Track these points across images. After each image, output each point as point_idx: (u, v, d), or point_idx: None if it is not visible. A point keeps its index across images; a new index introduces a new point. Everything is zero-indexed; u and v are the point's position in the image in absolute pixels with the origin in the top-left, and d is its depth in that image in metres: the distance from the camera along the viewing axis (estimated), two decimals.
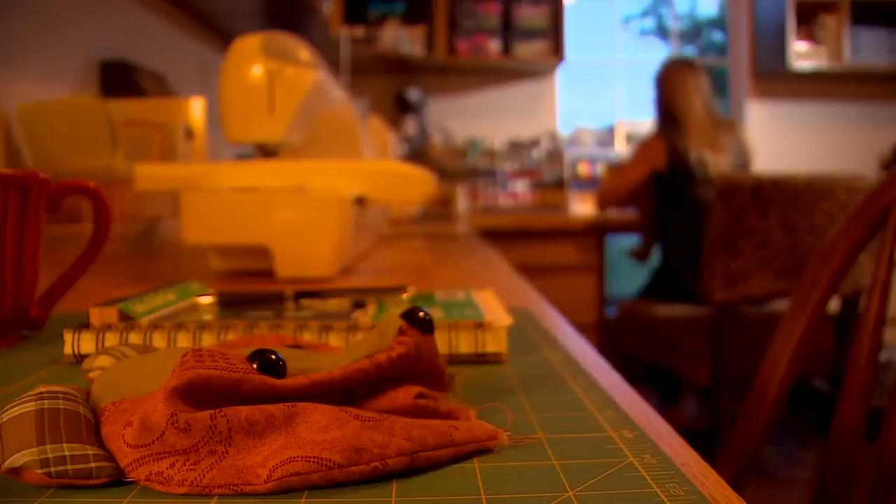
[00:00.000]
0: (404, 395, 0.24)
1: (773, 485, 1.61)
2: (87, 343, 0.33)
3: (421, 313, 0.26)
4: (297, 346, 0.30)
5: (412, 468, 0.21)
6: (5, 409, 0.21)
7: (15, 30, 1.05)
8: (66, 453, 0.19)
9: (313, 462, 0.19)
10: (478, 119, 2.92)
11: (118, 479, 0.20)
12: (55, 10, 1.15)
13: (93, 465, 0.20)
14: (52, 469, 0.19)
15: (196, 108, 1.21)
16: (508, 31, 2.75)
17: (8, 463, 0.19)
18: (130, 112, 1.14)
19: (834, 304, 1.55)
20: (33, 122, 0.96)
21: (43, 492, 0.19)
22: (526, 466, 0.21)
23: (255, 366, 0.22)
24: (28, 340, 0.39)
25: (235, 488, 0.19)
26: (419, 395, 0.24)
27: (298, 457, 0.19)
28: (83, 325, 0.34)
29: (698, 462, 0.22)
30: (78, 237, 0.81)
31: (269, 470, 0.19)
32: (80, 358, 0.33)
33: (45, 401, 0.21)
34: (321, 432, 0.20)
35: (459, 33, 2.74)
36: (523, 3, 2.75)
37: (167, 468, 0.19)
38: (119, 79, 1.29)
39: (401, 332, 0.25)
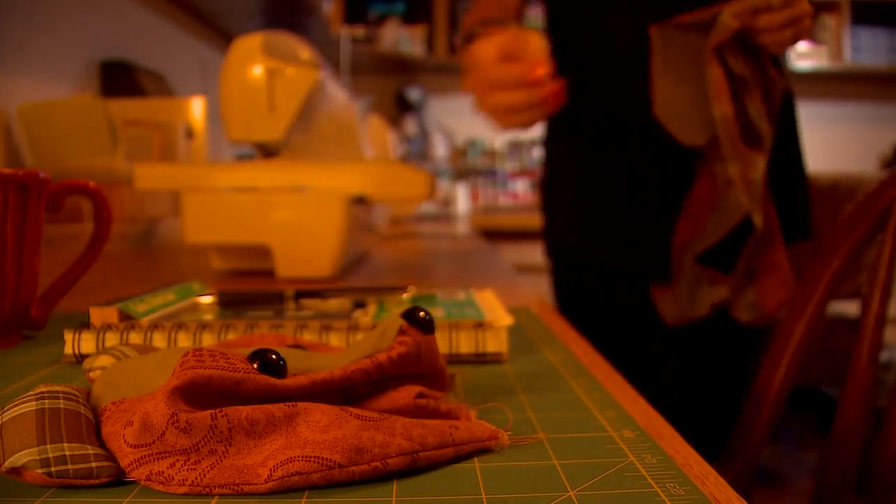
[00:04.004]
0: (405, 394, 0.24)
1: (774, 485, 1.61)
2: (87, 343, 0.33)
3: (422, 313, 0.26)
4: (298, 346, 0.30)
5: (413, 468, 0.21)
6: (6, 408, 0.21)
7: (15, 30, 1.05)
8: (67, 453, 0.19)
9: (314, 462, 0.19)
10: (478, 119, 2.91)
11: (119, 479, 0.20)
12: (55, 10, 1.15)
13: (93, 464, 0.19)
14: (53, 469, 0.19)
15: (196, 108, 1.21)
16: None
17: (9, 462, 0.19)
18: (130, 112, 1.14)
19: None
20: (33, 122, 0.96)
21: (43, 491, 0.19)
22: (526, 466, 0.21)
23: (255, 366, 0.22)
24: (29, 340, 0.39)
25: (236, 488, 0.19)
26: (420, 395, 0.24)
27: (299, 456, 0.19)
28: (84, 324, 0.34)
29: (699, 462, 0.22)
30: (78, 237, 0.81)
31: (270, 469, 0.19)
32: (80, 358, 0.33)
33: (46, 400, 0.21)
34: (322, 432, 0.20)
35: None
36: None
37: (167, 468, 0.19)
38: (119, 79, 1.28)
39: (401, 331, 0.25)
